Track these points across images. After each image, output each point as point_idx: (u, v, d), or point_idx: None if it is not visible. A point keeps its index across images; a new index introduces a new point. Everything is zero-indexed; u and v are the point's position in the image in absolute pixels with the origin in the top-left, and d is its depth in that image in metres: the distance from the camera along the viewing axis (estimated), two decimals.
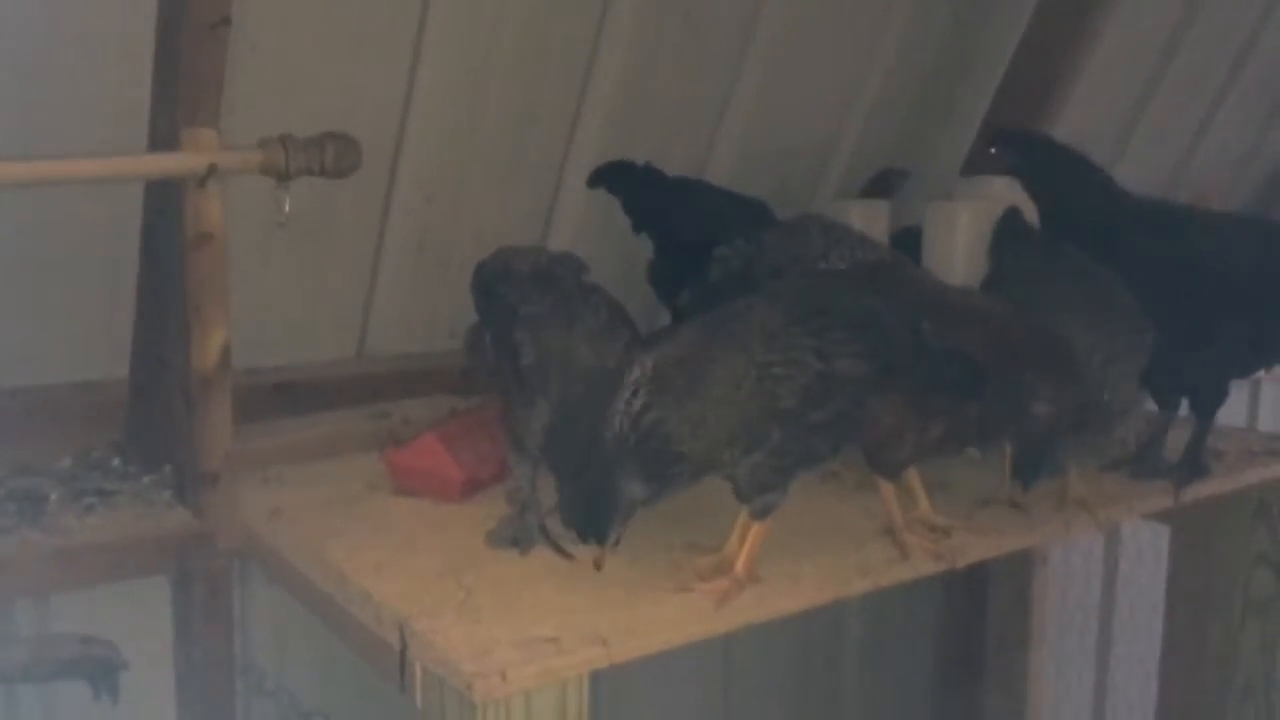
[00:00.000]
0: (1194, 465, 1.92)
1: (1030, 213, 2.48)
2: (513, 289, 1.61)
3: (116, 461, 1.86)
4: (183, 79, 1.62)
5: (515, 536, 1.55)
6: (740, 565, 1.45)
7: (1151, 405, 2.08)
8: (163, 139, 1.67)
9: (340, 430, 2.03)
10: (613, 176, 2.21)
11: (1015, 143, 2.10)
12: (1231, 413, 2.09)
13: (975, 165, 2.56)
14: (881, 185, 2.56)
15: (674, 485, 1.38)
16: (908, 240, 2.35)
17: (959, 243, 2.17)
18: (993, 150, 2.10)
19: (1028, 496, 1.67)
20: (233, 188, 1.66)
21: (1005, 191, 2.45)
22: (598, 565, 1.39)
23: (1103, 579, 3.31)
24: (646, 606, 1.38)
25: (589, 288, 1.63)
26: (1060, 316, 1.65)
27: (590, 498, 1.37)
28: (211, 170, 1.60)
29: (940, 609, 2.83)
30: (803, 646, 2.80)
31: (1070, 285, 1.73)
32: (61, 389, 1.89)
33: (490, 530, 1.58)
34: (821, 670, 2.88)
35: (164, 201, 1.70)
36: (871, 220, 2.34)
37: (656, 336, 1.48)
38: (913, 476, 1.68)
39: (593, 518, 1.37)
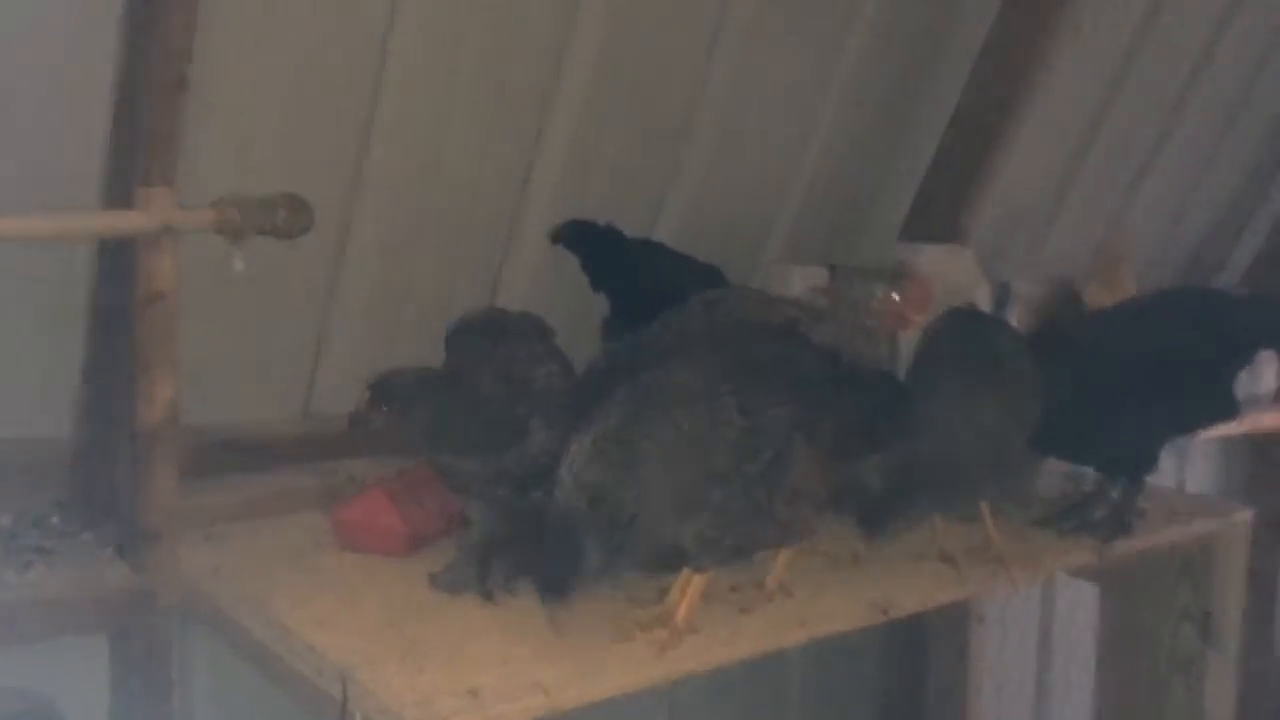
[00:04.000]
0: (1118, 524, 1.99)
1: (966, 281, 2.60)
2: (452, 342, 1.67)
3: (56, 519, 1.84)
4: (140, 139, 1.65)
5: (454, 581, 1.57)
6: (680, 616, 1.48)
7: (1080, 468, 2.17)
8: (117, 197, 1.70)
9: (285, 488, 2.04)
10: (575, 235, 2.27)
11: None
12: (1161, 477, 2.18)
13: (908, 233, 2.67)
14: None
15: (628, 554, 1.41)
16: None
17: None
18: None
19: (873, 545, 1.71)
20: (184, 244, 1.69)
21: (938, 258, 2.57)
22: (556, 629, 1.41)
23: (1038, 636, 3.37)
24: (588, 656, 1.41)
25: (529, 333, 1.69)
26: (935, 386, 1.72)
27: (551, 559, 1.39)
28: (165, 230, 1.63)
29: (881, 664, 2.86)
30: (746, 701, 2.81)
31: (959, 361, 1.79)
32: (2, 444, 1.88)
33: (434, 574, 1.60)
34: None
35: (116, 259, 1.72)
36: (811, 284, 2.42)
37: (590, 407, 1.51)
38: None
39: (553, 578, 1.40)
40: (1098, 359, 1.96)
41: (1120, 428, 1.93)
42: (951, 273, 2.47)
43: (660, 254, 2.34)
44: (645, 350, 1.64)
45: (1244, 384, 2.50)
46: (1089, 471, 2.16)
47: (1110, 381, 1.91)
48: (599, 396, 1.48)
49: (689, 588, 1.50)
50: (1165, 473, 3.60)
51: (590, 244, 2.26)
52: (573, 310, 2.26)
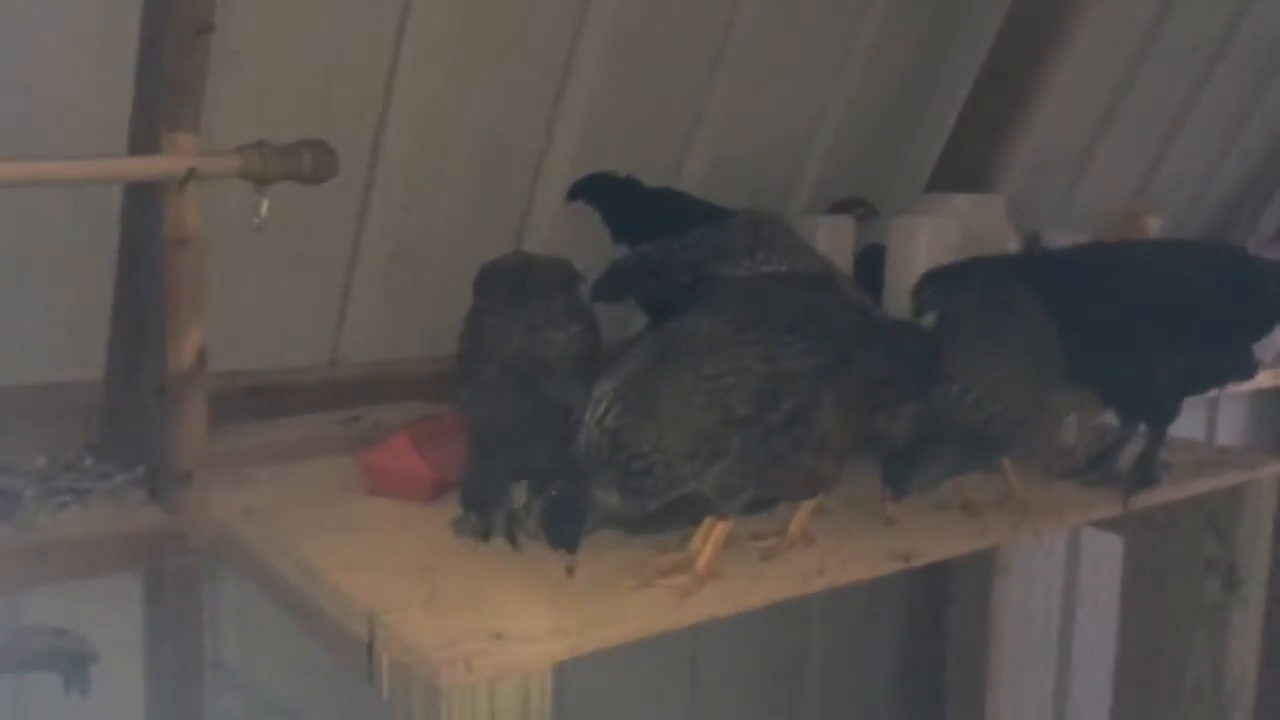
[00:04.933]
0: (1143, 475, 1.98)
1: (995, 231, 2.57)
2: (480, 287, 1.68)
3: (90, 461, 1.88)
4: (164, 84, 1.66)
5: (479, 527, 1.59)
6: (702, 562, 1.49)
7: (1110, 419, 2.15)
8: (143, 143, 1.71)
9: (312, 433, 2.06)
10: (593, 189, 2.26)
11: None
12: (1191, 429, 2.17)
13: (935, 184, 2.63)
14: (850, 210, 2.62)
15: (647, 497, 1.42)
16: (873, 256, 2.42)
17: (920, 258, 2.23)
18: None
19: (901, 505, 1.70)
20: (210, 192, 1.70)
21: (967, 207, 2.53)
22: (569, 571, 1.43)
23: (1062, 588, 3.38)
24: (610, 601, 1.42)
25: (555, 286, 1.69)
26: (958, 345, 1.71)
27: (561, 506, 1.41)
28: (191, 174, 1.63)
29: (902, 618, 2.88)
30: (767, 655, 2.84)
31: (981, 320, 1.78)
32: (36, 389, 1.91)
33: (456, 519, 1.62)
34: (785, 679, 2.92)
35: (143, 205, 1.74)
36: (837, 235, 2.40)
37: (614, 358, 1.52)
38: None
39: (563, 525, 1.41)
40: (1121, 292, 1.94)
41: (1141, 378, 1.92)
42: (981, 222, 2.44)
43: (681, 201, 2.33)
44: (676, 255, 1.65)
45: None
46: (1112, 425, 2.15)
47: (1136, 316, 1.90)
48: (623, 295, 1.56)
49: (711, 534, 1.51)
50: (1195, 424, 3.60)
51: (608, 196, 2.25)
52: (598, 252, 2.26)
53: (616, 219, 2.25)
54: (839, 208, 2.64)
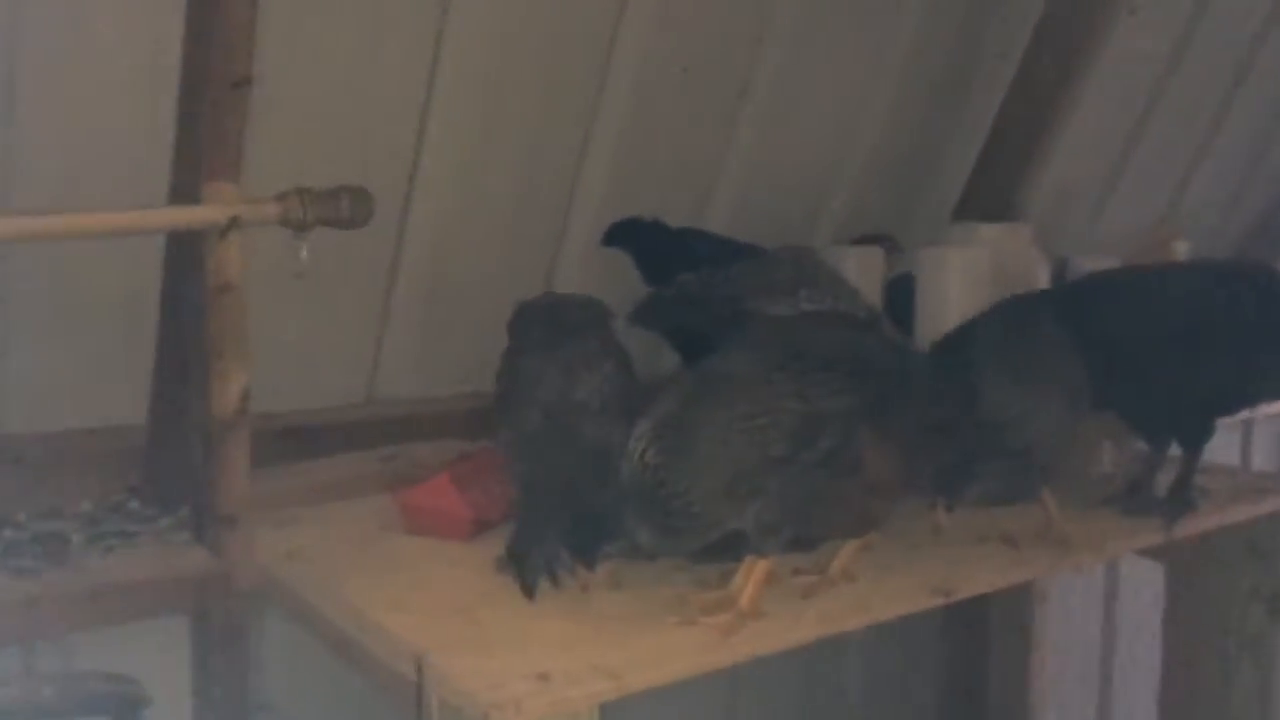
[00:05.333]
0: (1182, 500, 1.97)
1: (1024, 259, 2.57)
2: (515, 326, 1.69)
3: (135, 504, 1.90)
4: (205, 135, 1.69)
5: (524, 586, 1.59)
6: (745, 600, 1.49)
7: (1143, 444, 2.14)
8: (184, 192, 1.74)
9: (350, 473, 2.08)
10: (624, 234, 2.27)
11: None
12: (1225, 453, 2.15)
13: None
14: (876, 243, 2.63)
15: (681, 540, 1.44)
16: (903, 286, 2.42)
17: (951, 286, 2.24)
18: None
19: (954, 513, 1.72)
20: (249, 236, 1.73)
21: (995, 236, 2.54)
22: (583, 588, 1.45)
23: (1102, 616, 3.34)
24: (654, 640, 1.43)
25: (589, 324, 1.71)
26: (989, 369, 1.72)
27: (589, 524, 1.43)
28: (233, 223, 1.66)
29: (942, 647, 2.86)
30: (807, 682, 2.82)
31: (1012, 345, 1.79)
32: (82, 434, 1.94)
33: (500, 556, 1.63)
34: (824, 711, 2.90)
35: (186, 253, 1.77)
36: (867, 265, 2.41)
37: (651, 397, 1.53)
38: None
39: (586, 542, 1.43)
40: (1157, 314, 1.94)
41: (1174, 401, 1.91)
42: (1009, 251, 2.44)
43: (705, 240, 2.34)
44: (718, 288, 1.66)
45: None
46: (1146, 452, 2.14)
47: (1165, 340, 1.90)
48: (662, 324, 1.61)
49: (753, 573, 1.51)
50: (1229, 449, 3.56)
51: (639, 240, 2.26)
52: (627, 292, 2.27)
53: (647, 262, 2.26)
54: (862, 242, 2.65)
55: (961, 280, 2.24)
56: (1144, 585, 3.15)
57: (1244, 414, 2.90)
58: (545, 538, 1.52)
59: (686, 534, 1.44)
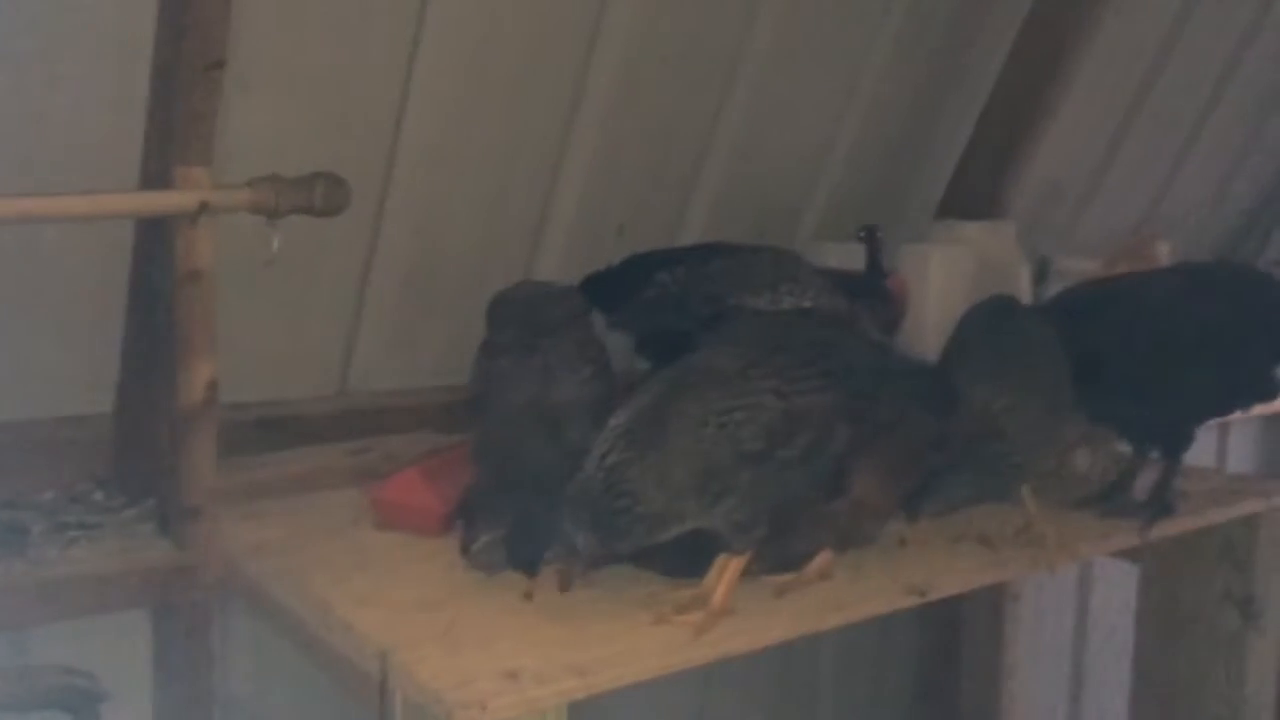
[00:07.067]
0: (1160, 504, 1.96)
1: (1006, 257, 2.56)
2: (492, 321, 1.67)
3: (99, 495, 1.87)
4: (176, 119, 1.66)
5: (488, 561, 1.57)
6: (717, 598, 1.48)
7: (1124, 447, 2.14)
8: (155, 177, 1.71)
9: (322, 465, 2.05)
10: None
11: None
12: (1201, 455, 2.15)
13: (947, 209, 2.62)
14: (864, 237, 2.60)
15: (626, 539, 1.42)
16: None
17: (931, 284, 2.23)
18: None
19: (915, 528, 1.72)
20: (220, 223, 1.69)
21: (978, 235, 2.53)
22: (528, 595, 1.45)
23: (1074, 616, 3.35)
24: (624, 638, 1.41)
25: (567, 322, 1.68)
26: (971, 372, 1.71)
27: (527, 529, 1.41)
28: (203, 208, 1.63)
29: (914, 645, 2.86)
30: (780, 681, 2.82)
31: (993, 346, 1.78)
32: (45, 423, 1.90)
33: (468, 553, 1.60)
34: (797, 708, 2.89)
35: (155, 239, 1.73)
36: (848, 263, 2.40)
37: (631, 391, 1.51)
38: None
39: (525, 548, 1.42)
40: (1136, 325, 1.93)
41: (1153, 399, 1.90)
42: (992, 249, 2.44)
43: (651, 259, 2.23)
44: (698, 286, 1.65)
45: None
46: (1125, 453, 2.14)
47: (1145, 351, 1.89)
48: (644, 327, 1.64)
49: (725, 571, 1.50)
50: (1205, 451, 3.57)
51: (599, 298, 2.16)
52: None
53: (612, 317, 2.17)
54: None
55: (941, 278, 2.23)
56: (1117, 586, 3.16)
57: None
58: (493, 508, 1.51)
59: (628, 537, 1.41)
